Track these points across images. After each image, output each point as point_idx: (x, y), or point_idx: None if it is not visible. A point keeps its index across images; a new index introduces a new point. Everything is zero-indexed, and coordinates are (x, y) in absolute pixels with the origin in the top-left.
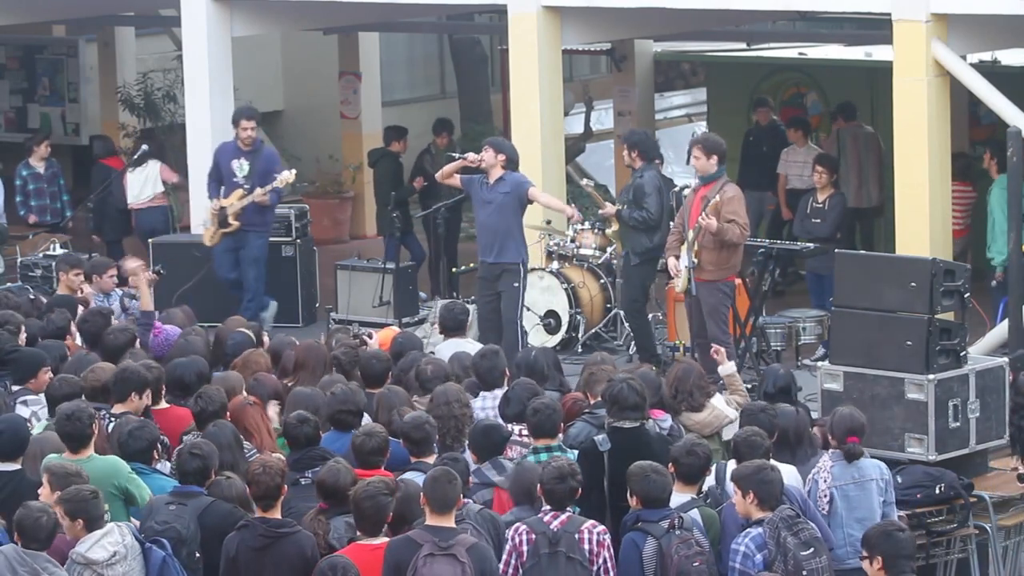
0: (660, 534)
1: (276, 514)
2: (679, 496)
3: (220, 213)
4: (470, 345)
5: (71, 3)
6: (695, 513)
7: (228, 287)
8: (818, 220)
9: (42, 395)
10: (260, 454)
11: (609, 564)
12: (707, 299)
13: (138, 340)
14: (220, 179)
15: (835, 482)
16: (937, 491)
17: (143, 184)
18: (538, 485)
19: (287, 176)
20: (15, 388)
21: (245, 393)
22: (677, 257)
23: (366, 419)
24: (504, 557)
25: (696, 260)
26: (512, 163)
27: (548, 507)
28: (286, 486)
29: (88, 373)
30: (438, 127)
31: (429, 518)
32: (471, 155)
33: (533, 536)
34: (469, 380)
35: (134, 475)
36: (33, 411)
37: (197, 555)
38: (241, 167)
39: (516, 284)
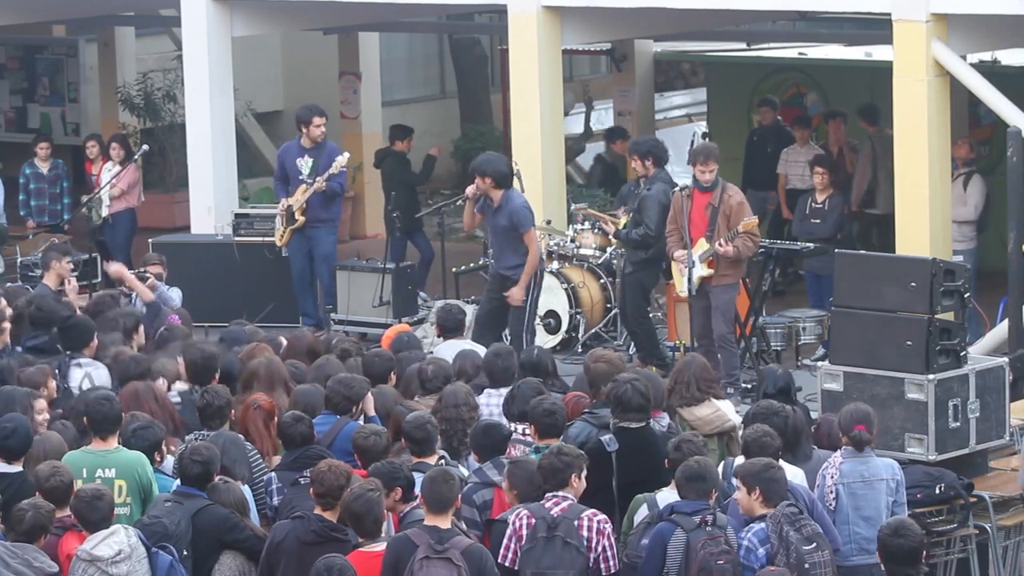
0: (690, 528)
1: (334, 517)
2: (674, 492)
3: (288, 211)
4: (470, 346)
5: (71, 3)
6: None
7: (298, 290)
8: (817, 221)
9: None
10: (263, 457)
11: (609, 552)
12: (721, 296)
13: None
14: (286, 179)
15: (843, 479)
16: (937, 491)
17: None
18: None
19: (340, 160)
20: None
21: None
22: (680, 252)
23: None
24: (504, 541)
25: (711, 270)
26: (502, 179)
27: (549, 492)
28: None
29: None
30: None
31: (427, 518)
32: (468, 189)
33: (533, 520)
34: (475, 381)
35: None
36: (87, 372)
37: (185, 553)
38: (306, 164)
39: (524, 297)
